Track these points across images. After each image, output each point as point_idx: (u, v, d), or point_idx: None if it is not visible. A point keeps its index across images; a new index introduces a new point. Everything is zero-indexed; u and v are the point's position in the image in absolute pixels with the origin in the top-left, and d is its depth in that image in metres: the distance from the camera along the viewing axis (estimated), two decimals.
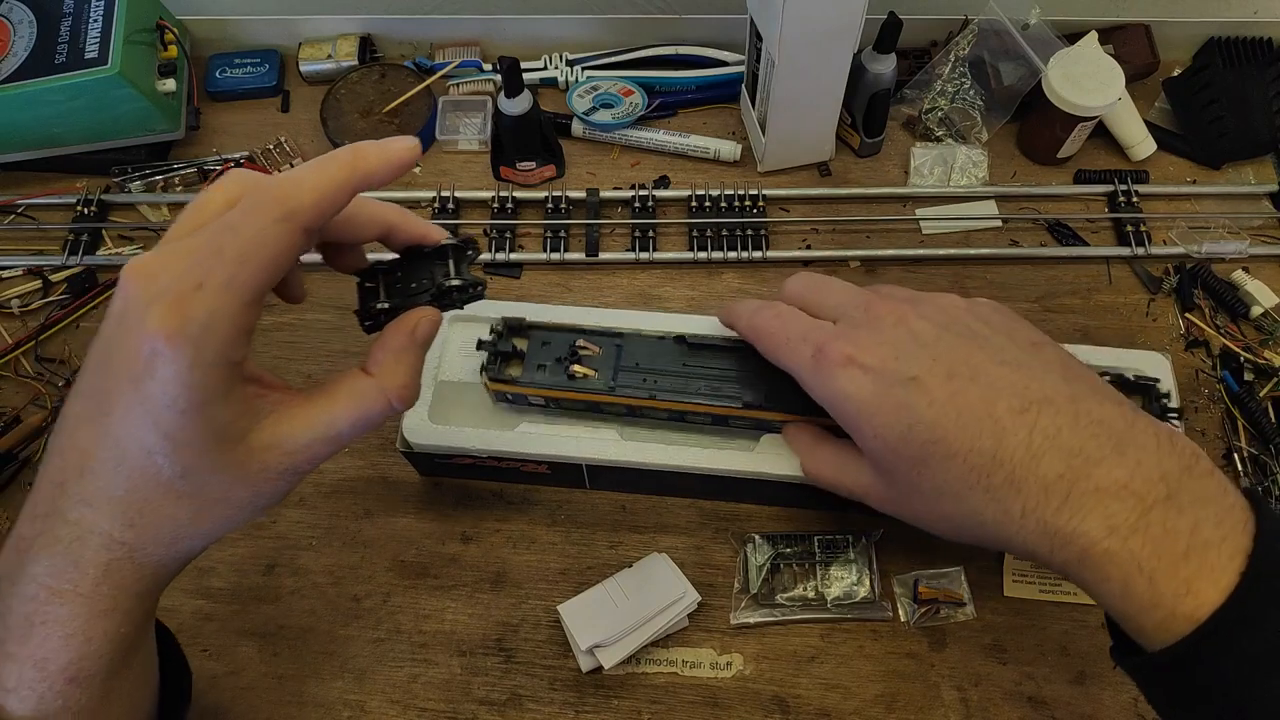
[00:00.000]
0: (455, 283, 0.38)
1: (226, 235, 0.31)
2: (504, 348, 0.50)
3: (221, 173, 0.68)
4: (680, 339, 0.50)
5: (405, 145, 0.34)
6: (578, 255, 0.65)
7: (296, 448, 0.35)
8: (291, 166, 0.69)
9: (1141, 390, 0.49)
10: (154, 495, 0.34)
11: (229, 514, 0.36)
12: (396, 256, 0.39)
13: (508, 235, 0.66)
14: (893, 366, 0.39)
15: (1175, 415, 0.48)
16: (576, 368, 0.49)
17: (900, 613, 0.53)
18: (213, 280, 0.31)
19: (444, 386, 0.53)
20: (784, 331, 0.44)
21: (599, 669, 0.51)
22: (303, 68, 0.73)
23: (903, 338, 0.40)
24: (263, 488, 0.35)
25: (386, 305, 0.39)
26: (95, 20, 0.64)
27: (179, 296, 0.31)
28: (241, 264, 0.31)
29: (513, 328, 0.51)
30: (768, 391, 0.48)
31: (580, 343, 0.50)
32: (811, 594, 0.53)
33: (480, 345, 0.50)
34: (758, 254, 0.65)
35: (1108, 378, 0.48)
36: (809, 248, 0.66)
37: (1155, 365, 0.51)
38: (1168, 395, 0.49)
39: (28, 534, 0.35)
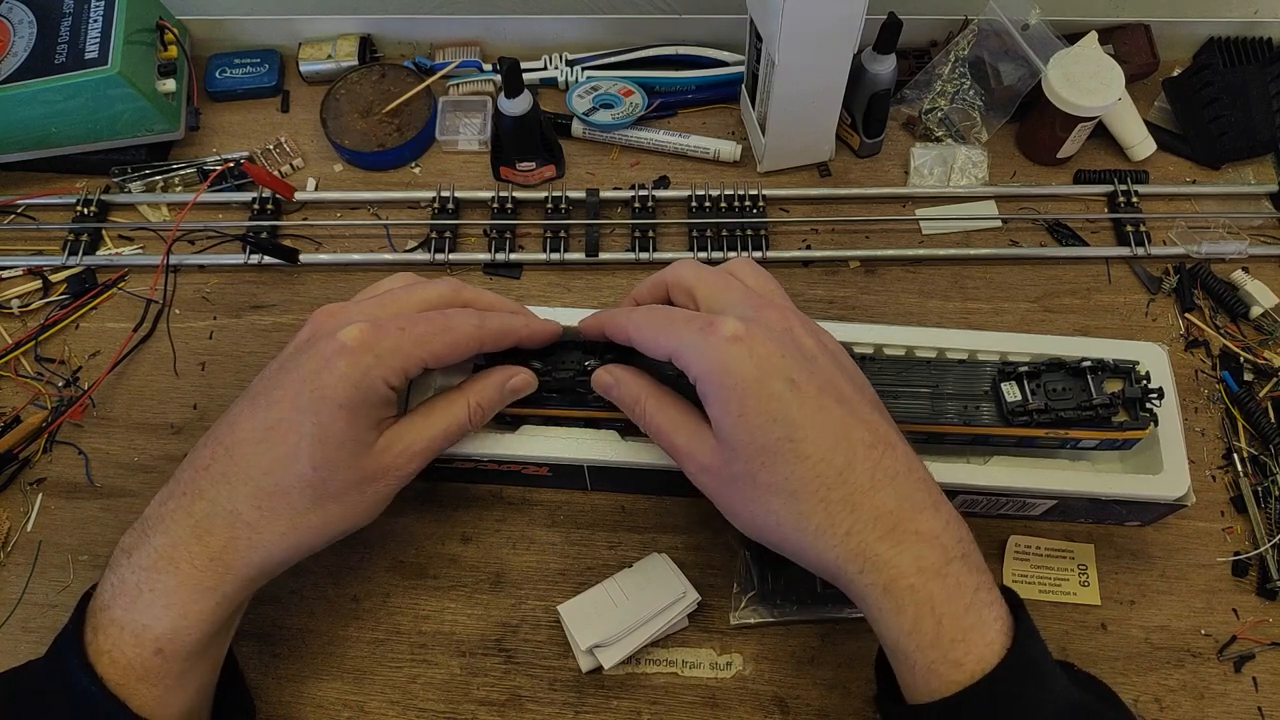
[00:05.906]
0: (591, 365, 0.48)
1: (442, 319, 0.44)
2: None
3: (221, 173, 0.68)
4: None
5: (550, 329, 0.49)
6: (578, 255, 0.65)
7: (404, 448, 0.44)
8: (292, 167, 0.70)
9: (1121, 374, 0.49)
10: (286, 479, 0.40)
11: (338, 513, 0.42)
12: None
13: (507, 235, 0.66)
14: (777, 362, 0.40)
15: (1155, 395, 0.48)
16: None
17: None
18: (415, 331, 0.43)
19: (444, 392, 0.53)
20: (670, 317, 0.43)
21: (599, 669, 0.51)
22: (303, 68, 0.73)
23: (788, 343, 0.42)
24: (369, 488, 0.43)
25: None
26: (95, 20, 0.64)
27: (382, 325, 0.42)
28: (439, 335, 0.43)
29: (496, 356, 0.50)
30: None
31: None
32: (811, 594, 0.53)
33: None
34: (758, 254, 0.65)
35: (1086, 364, 0.48)
36: (809, 248, 0.66)
37: (1151, 355, 0.51)
38: (1147, 376, 0.49)
39: (157, 514, 0.41)
